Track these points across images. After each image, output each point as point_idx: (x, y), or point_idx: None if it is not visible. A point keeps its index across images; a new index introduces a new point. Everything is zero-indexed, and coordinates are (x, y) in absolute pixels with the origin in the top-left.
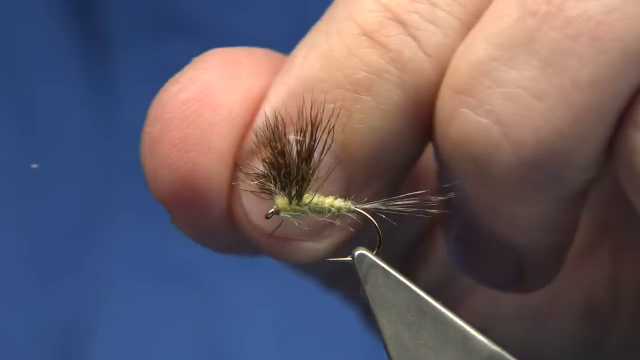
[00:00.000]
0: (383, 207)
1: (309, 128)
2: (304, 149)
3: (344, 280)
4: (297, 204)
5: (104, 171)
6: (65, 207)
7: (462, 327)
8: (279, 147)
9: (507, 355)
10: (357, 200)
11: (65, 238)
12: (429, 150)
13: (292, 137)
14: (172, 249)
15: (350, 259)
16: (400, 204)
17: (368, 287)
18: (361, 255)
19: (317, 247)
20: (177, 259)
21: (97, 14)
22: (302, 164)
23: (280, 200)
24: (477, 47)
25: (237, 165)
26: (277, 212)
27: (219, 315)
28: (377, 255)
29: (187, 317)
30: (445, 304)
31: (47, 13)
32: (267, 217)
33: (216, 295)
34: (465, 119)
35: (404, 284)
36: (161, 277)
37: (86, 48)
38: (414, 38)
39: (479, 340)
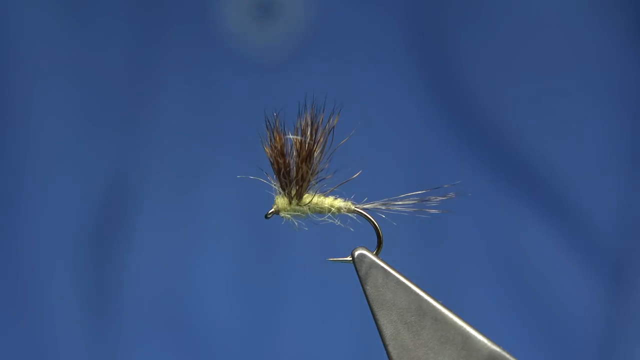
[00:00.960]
0: (383, 207)
1: (309, 128)
2: (304, 148)
3: None
4: (297, 204)
5: (152, 31)
6: (112, 64)
7: (462, 327)
8: (279, 146)
9: (508, 356)
10: (357, 200)
11: (113, 93)
12: None
13: (291, 137)
14: (220, 112)
15: (350, 259)
16: (400, 204)
17: (368, 287)
18: (361, 255)
19: None
20: (225, 121)
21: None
22: (302, 163)
23: (280, 200)
24: None
25: None
26: (277, 212)
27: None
28: (377, 255)
29: (233, 177)
30: (445, 304)
31: (45, 7)
32: (267, 217)
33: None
34: None
35: (405, 284)
36: (208, 136)
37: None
38: None
39: (479, 340)
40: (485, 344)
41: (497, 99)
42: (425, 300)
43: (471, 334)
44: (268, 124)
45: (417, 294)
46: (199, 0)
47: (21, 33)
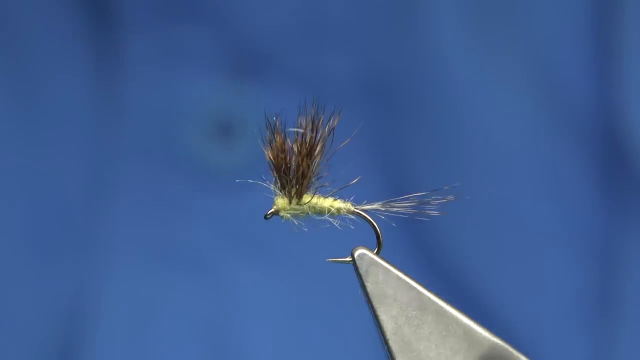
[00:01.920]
0: (382, 209)
1: (310, 126)
2: (304, 147)
3: None
4: (297, 204)
5: (109, 151)
6: (68, 188)
7: (463, 320)
8: (279, 145)
9: (509, 348)
10: (356, 201)
11: (69, 217)
12: None
13: (294, 130)
14: (176, 231)
15: (350, 259)
16: (399, 205)
17: (369, 284)
18: (361, 254)
19: None
20: (182, 241)
21: None
22: (301, 162)
23: (280, 200)
24: None
25: None
26: (276, 212)
27: (222, 300)
28: (377, 254)
29: (190, 300)
30: (445, 299)
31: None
32: (266, 218)
33: (220, 280)
34: None
35: (405, 280)
36: (164, 259)
37: (93, 30)
38: None
39: (480, 333)
40: (486, 337)
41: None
42: (426, 296)
43: (472, 327)
44: (269, 124)
45: (418, 290)
46: (159, 118)
47: None
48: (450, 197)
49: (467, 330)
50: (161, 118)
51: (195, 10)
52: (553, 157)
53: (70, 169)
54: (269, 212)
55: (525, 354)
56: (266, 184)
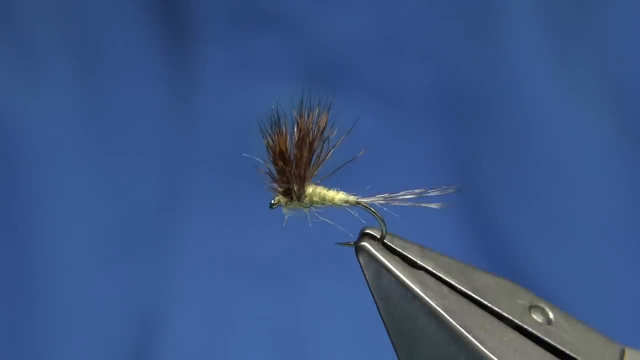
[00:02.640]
0: (384, 202)
1: (311, 121)
2: (306, 141)
3: None
4: (299, 195)
5: (182, 160)
6: (143, 195)
7: (452, 324)
8: (283, 136)
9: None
10: (360, 192)
11: (143, 225)
12: None
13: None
14: (248, 240)
15: (352, 244)
16: (403, 198)
17: (368, 276)
18: (361, 245)
19: None
20: (254, 250)
21: (185, 3)
22: (304, 156)
23: (281, 193)
24: None
25: None
26: (279, 203)
27: (295, 308)
28: (379, 247)
29: (263, 309)
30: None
31: (132, 3)
32: (271, 207)
33: (293, 288)
34: None
35: (401, 279)
36: (237, 267)
37: (171, 38)
38: None
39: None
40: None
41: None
42: (421, 297)
43: (461, 332)
44: (272, 117)
45: (411, 288)
46: (233, 127)
47: (49, 165)
48: (451, 190)
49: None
50: (235, 127)
51: (271, 20)
52: (627, 170)
53: (145, 177)
54: (273, 202)
55: None
56: (269, 174)
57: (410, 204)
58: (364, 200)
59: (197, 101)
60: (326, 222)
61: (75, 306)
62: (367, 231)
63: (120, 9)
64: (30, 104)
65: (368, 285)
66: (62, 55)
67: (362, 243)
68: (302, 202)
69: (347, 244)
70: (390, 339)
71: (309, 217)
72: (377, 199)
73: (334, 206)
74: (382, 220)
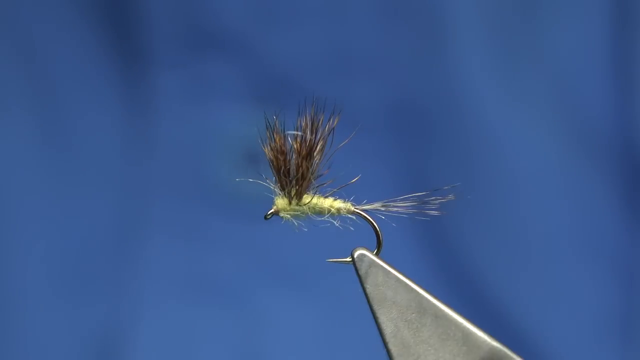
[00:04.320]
0: (383, 209)
1: (309, 126)
2: (303, 148)
3: None
4: (297, 204)
5: (139, 187)
6: (98, 220)
7: (462, 323)
8: (279, 144)
9: (508, 352)
10: (356, 201)
11: (100, 253)
12: None
13: (292, 133)
14: (208, 263)
15: (350, 259)
16: (400, 205)
17: (368, 286)
18: (361, 255)
19: None
20: (214, 273)
21: (135, 29)
22: (302, 161)
23: (280, 201)
24: None
25: None
26: (276, 213)
27: (256, 331)
28: (377, 255)
29: (224, 332)
30: (445, 302)
31: (83, 29)
32: (266, 218)
33: (254, 310)
34: None
35: (404, 282)
36: (197, 291)
37: (122, 64)
38: None
39: (479, 337)
40: (486, 340)
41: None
42: (426, 298)
43: (472, 330)
44: (268, 124)
45: (417, 292)
46: (188, 151)
47: (4, 190)
48: (451, 197)
49: (466, 334)
50: (190, 151)
51: (222, 42)
52: (576, 176)
53: (101, 205)
54: (268, 213)
55: None
56: (266, 183)
57: (410, 210)
58: (359, 208)
59: (153, 125)
60: (287, 243)
61: (32, 333)
62: (359, 251)
63: (71, 36)
64: None
65: (367, 296)
66: (15, 84)
67: (362, 252)
68: (300, 207)
69: (342, 260)
70: (388, 350)
71: (296, 224)
72: (374, 207)
73: (330, 214)
74: (378, 229)
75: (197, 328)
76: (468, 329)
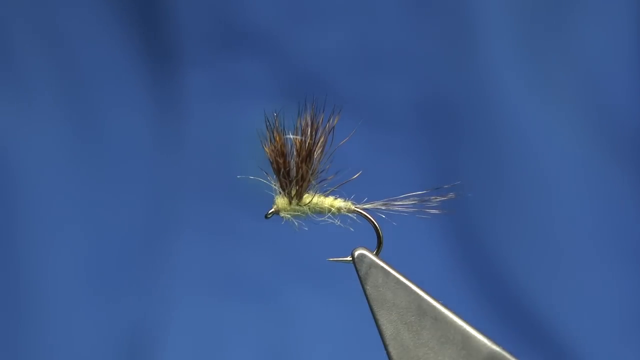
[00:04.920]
0: (383, 207)
1: (309, 127)
2: (303, 148)
3: None
4: (297, 204)
5: (169, 185)
6: (129, 219)
7: (462, 326)
8: (279, 146)
9: (508, 355)
10: (357, 200)
11: (130, 251)
12: None
13: (291, 137)
14: (236, 261)
15: (350, 259)
16: (400, 204)
17: (368, 287)
18: (361, 255)
19: None
20: (243, 270)
21: (165, 29)
22: (302, 163)
23: (280, 201)
24: None
25: None
26: (277, 212)
27: (286, 328)
28: (377, 255)
29: (254, 329)
30: (445, 304)
31: (115, 26)
32: (267, 217)
33: (283, 307)
34: None
35: (404, 283)
36: (227, 288)
37: (153, 63)
38: None
39: (479, 340)
40: (485, 344)
41: (516, 263)
42: (425, 300)
43: (471, 333)
44: (268, 124)
45: (417, 294)
46: (218, 149)
47: (37, 191)
48: (451, 195)
49: (466, 337)
50: (220, 149)
51: (250, 41)
52: (604, 176)
53: (131, 202)
54: (269, 212)
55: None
56: (267, 181)
57: (410, 209)
58: (360, 207)
59: (182, 125)
60: (313, 240)
61: (64, 331)
62: (360, 251)
63: (102, 34)
64: (17, 132)
65: (367, 297)
66: (49, 82)
67: (362, 252)
68: (301, 207)
69: (343, 259)
70: (388, 352)
71: (295, 225)
72: (375, 206)
73: (330, 213)
74: (378, 228)
75: (226, 324)
76: (468, 332)
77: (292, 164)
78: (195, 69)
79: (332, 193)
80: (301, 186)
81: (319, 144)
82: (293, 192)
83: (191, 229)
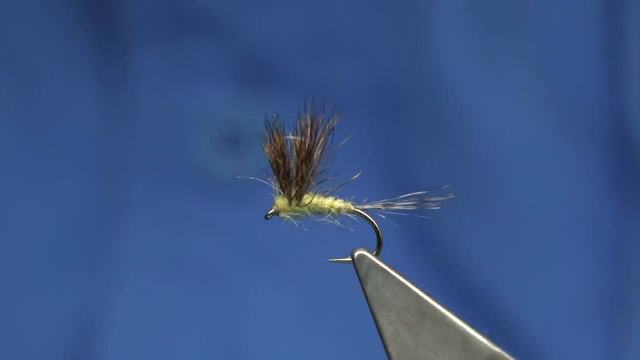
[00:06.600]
0: (383, 208)
1: (309, 128)
2: (303, 149)
3: None
4: (297, 205)
5: (118, 166)
6: (77, 201)
7: (462, 327)
8: (278, 147)
9: (508, 356)
10: (357, 201)
11: (79, 230)
12: None
13: (291, 137)
14: (186, 243)
15: (350, 259)
16: (400, 204)
17: (368, 288)
18: (361, 255)
19: None
20: (192, 253)
21: (114, 10)
22: (301, 164)
23: (280, 201)
24: None
25: None
26: (276, 213)
27: (234, 312)
28: (377, 256)
29: (201, 312)
30: (445, 305)
31: (62, 7)
32: (266, 218)
33: (231, 291)
34: None
35: (404, 284)
36: (175, 271)
37: (101, 44)
38: None
39: (479, 341)
40: (486, 345)
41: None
42: (425, 301)
43: (471, 334)
44: (268, 125)
45: (417, 295)
46: (167, 130)
47: None
48: (451, 196)
49: (466, 338)
50: (169, 130)
51: (201, 22)
52: (563, 158)
53: (79, 182)
54: (269, 213)
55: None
56: (267, 182)
57: (411, 206)
58: (360, 207)
59: (131, 105)
60: (264, 226)
61: (9, 312)
62: (359, 252)
63: (47, 16)
64: None
65: (367, 298)
66: None
67: (362, 253)
68: (300, 208)
69: (343, 260)
70: (388, 352)
71: (296, 225)
72: (375, 206)
73: (330, 214)
74: (378, 228)
75: (176, 309)
76: (468, 333)
77: (292, 164)
78: (145, 50)
79: (331, 194)
80: (301, 187)
81: (319, 144)
82: (293, 193)
83: (140, 208)
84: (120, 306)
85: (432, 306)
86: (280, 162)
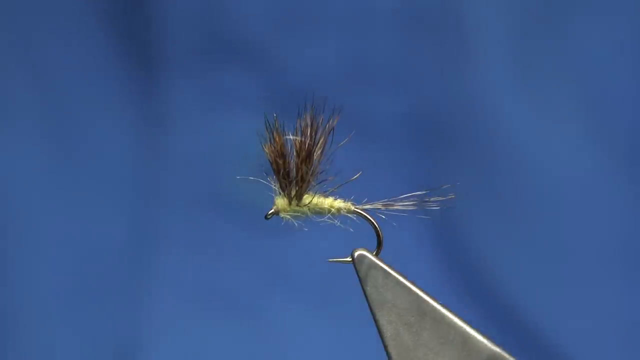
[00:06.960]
0: (383, 208)
1: (309, 128)
2: (303, 149)
3: None
4: (297, 205)
5: (154, 197)
6: (113, 234)
7: (462, 327)
8: (279, 147)
9: (508, 356)
10: (357, 201)
11: (114, 264)
12: None
13: (291, 137)
14: (221, 275)
15: (350, 259)
16: (400, 204)
17: (368, 288)
18: (361, 255)
19: None
20: (227, 284)
21: (152, 39)
22: (301, 164)
23: (280, 201)
24: None
25: None
26: (277, 213)
27: (267, 344)
28: (377, 256)
29: (236, 344)
30: (445, 305)
31: (98, 36)
32: (266, 218)
33: (266, 322)
34: None
35: (404, 284)
36: (210, 302)
37: (138, 75)
38: None
39: (479, 341)
40: (486, 345)
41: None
42: (426, 301)
43: (471, 334)
44: (268, 125)
45: (417, 295)
46: (202, 162)
47: (19, 206)
48: (451, 196)
49: (466, 338)
50: (204, 162)
51: (237, 53)
52: (607, 186)
53: (115, 215)
54: (269, 213)
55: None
56: (267, 182)
57: (411, 207)
58: (360, 207)
59: (166, 136)
60: (298, 257)
61: (46, 345)
62: (359, 252)
63: (84, 43)
64: (2, 148)
65: (367, 298)
66: (25, 91)
67: (362, 253)
68: (301, 208)
69: (343, 260)
70: (388, 353)
71: (295, 225)
72: (375, 206)
73: (330, 214)
74: (378, 228)
75: (210, 340)
76: (468, 333)
77: (292, 164)
78: (182, 79)
79: (331, 194)
80: (301, 187)
81: (319, 144)
82: (293, 193)
83: (176, 243)
84: (155, 337)
85: (432, 306)
86: (280, 162)
